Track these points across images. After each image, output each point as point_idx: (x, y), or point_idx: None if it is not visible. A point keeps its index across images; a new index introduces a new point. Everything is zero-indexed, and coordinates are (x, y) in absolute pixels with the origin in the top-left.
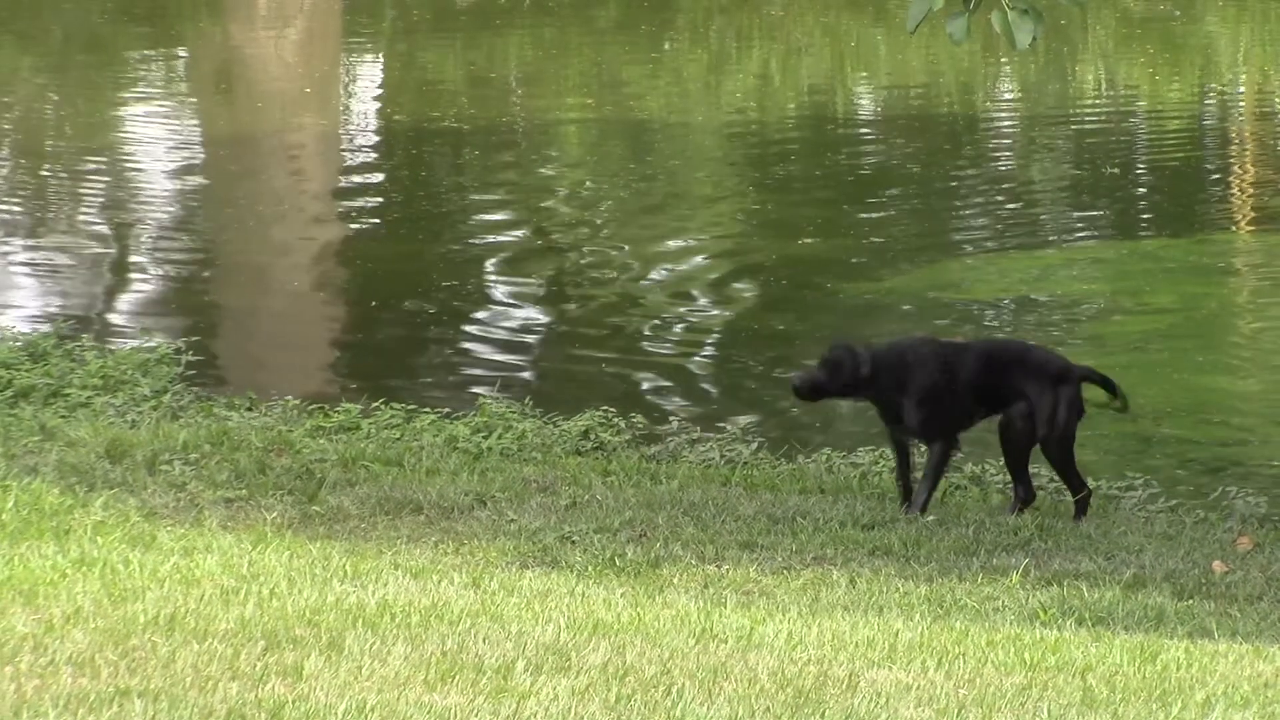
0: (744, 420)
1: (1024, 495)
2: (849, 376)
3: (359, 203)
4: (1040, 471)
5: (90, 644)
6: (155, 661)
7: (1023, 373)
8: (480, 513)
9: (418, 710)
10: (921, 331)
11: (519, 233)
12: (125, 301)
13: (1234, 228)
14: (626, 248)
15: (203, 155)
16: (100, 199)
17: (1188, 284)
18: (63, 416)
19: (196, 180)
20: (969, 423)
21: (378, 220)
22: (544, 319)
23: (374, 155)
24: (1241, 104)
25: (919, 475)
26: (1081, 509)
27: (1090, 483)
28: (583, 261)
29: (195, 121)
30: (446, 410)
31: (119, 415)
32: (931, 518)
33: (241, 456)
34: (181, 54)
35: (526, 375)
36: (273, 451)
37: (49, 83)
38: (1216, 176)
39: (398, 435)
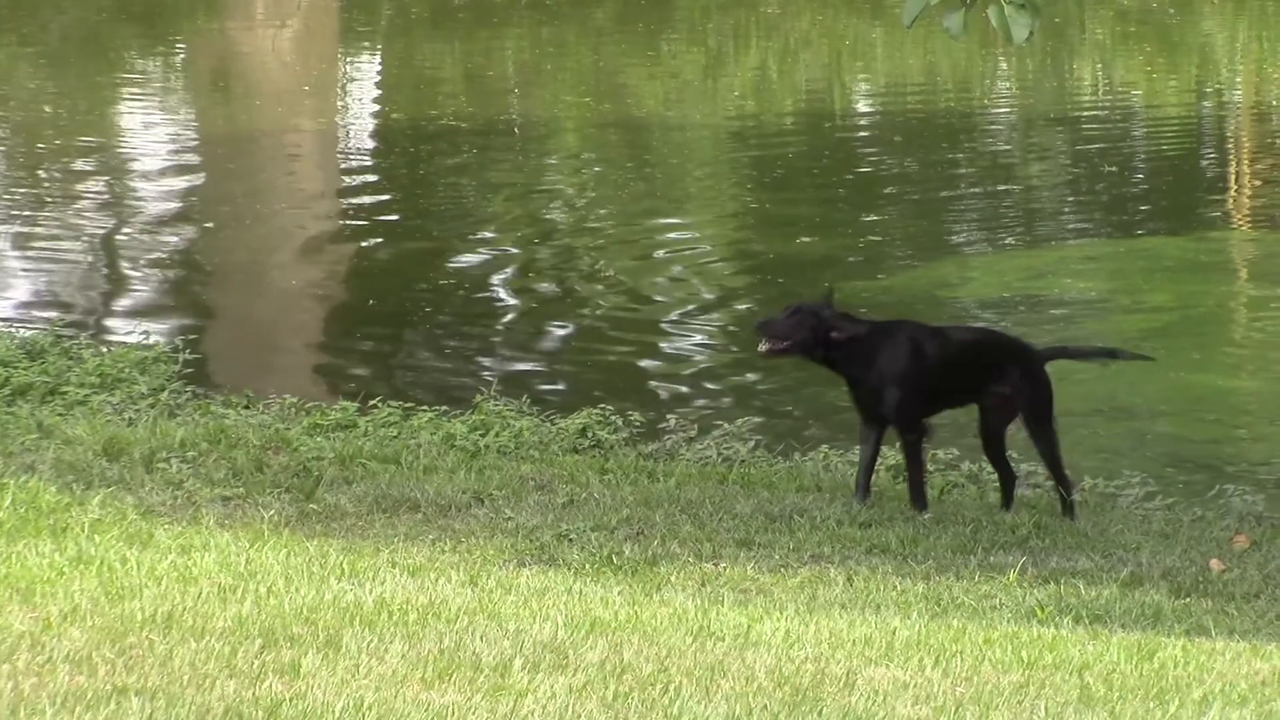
0: (741, 418)
1: (1006, 479)
2: (811, 326)
3: (357, 201)
4: (1036, 470)
5: (87, 642)
6: (153, 659)
7: (999, 357)
8: (477, 510)
9: (415, 708)
10: None
11: (516, 231)
12: (122, 299)
13: (1231, 226)
14: (623, 245)
15: (200, 153)
16: (97, 197)
17: (1185, 282)
18: (60, 414)
19: (194, 178)
20: (943, 407)
21: (375, 218)
22: (540, 317)
23: (371, 153)
24: (1239, 101)
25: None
26: (1068, 508)
27: (1087, 481)
28: (579, 259)
29: (192, 119)
30: (444, 408)
31: (116, 413)
32: (928, 516)
33: (239, 454)
34: (179, 52)
35: (523, 372)
36: (270, 449)
37: (46, 81)
38: (1214, 174)
39: (395, 433)
